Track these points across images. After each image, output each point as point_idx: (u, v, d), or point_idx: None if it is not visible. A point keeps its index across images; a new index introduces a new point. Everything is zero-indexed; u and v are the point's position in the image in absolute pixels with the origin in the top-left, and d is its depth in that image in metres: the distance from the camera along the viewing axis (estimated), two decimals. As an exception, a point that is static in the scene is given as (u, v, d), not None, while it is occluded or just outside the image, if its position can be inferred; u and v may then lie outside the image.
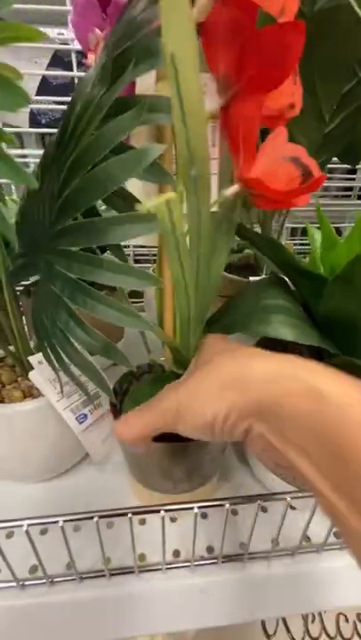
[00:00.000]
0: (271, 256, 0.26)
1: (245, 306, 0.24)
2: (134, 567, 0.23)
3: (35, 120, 0.62)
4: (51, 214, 0.19)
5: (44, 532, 0.26)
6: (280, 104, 0.17)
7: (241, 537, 0.26)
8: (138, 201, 0.19)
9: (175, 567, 0.24)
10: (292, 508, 0.28)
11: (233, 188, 0.17)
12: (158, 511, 0.20)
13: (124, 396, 0.27)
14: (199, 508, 0.20)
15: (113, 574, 0.24)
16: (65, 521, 0.20)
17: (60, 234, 0.19)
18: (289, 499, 0.22)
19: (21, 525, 0.19)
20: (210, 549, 0.26)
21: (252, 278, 0.46)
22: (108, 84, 0.17)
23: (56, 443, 0.28)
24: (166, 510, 0.20)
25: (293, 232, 0.69)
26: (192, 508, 0.20)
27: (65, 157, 0.18)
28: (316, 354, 0.27)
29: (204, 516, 0.27)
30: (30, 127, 0.56)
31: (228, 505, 0.21)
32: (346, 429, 0.12)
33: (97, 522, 0.20)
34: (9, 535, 0.26)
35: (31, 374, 0.26)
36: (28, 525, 0.19)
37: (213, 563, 0.24)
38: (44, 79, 0.55)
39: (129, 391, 0.27)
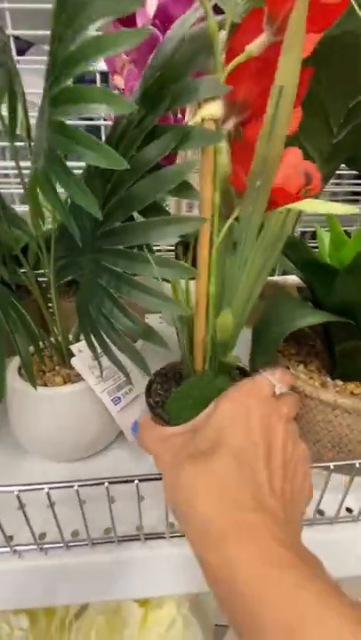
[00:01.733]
0: (289, 253, 0.29)
1: (282, 313, 0.27)
2: (140, 535, 0.26)
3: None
4: (94, 222, 0.23)
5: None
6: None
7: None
8: (168, 214, 0.22)
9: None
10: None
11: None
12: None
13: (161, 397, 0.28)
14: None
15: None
16: (79, 485, 0.23)
17: (103, 236, 0.22)
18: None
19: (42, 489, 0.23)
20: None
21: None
22: (148, 110, 0.21)
23: (92, 422, 0.31)
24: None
25: (303, 235, 0.72)
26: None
27: (109, 173, 0.22)
28: (328, 343, 0.30)
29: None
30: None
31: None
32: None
33: (107, 487, 0.23)
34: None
35: (73, 360, 0.29)
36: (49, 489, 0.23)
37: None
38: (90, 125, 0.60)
39: (171, 394, 0.27)
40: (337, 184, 0.64)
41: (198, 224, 0.19)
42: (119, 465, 0.33)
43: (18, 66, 0.25)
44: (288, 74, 0.16)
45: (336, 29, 0.31)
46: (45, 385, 0.31)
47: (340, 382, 0.28)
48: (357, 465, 0.24)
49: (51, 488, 0.23)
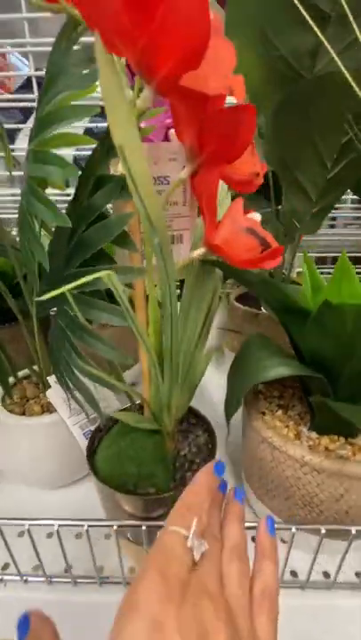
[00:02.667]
0: (264, 295, 0.28)
1: (251, 363, 0.26)
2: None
3: (77, 164, 0.70)
4: (63, 263, 0.24)
5: (49, 536, 0.29)
6: (243, 172, 0.19)
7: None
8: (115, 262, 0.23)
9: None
10: (283, 541, 0.28)
11: (200, 251, 0.20)
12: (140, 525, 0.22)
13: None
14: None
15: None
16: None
17: (66, 278, 0.23)
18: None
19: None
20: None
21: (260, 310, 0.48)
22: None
23: (66, 454, 0.32)
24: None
25: (320, 261, 0.70)
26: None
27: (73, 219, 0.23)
28: (306, 390, 0.29)
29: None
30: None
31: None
32: None
33: (87, 530, 0.23)
34: (20, 535, 0.29)
35: (48, 392, 0.30)
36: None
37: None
38: (88, 128, 0.63)
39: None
40: (337, 209, 0.62)
41: (139, 274, 0.19)
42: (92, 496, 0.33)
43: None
44: (121, 133, 0.15)
45: (325, 68, 0.31)
46: (24, 413, 0.32)
47: (314, 435, 0.26)
48: (353, 531, 0.22)
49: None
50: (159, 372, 0.23)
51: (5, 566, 0.28)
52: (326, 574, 0.27)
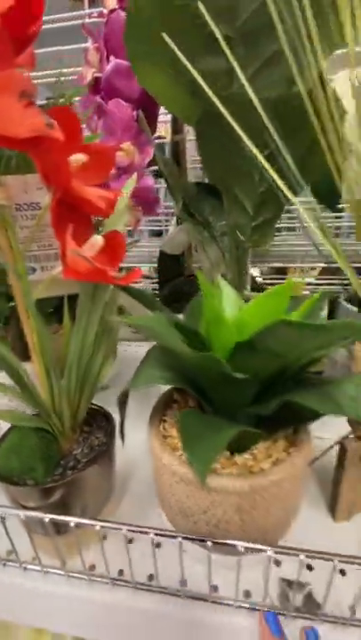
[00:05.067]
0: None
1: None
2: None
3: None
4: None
5: None
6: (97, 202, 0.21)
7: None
8: None
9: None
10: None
11: (57, 270, 0.21)
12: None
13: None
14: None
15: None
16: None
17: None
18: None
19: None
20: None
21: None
22: None
23: None
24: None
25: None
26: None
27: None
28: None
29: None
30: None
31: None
32: None
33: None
34: None
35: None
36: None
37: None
38: None
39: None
40: (339, 218, 0.60)
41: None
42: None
43: None
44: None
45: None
46: None
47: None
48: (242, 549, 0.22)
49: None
50: (44, 376, 0.25)
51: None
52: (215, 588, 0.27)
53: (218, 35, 0.24)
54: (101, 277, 0.20)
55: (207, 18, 0.24)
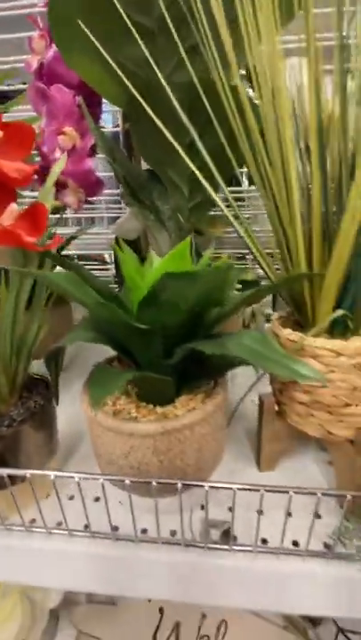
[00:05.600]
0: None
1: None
2: None
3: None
4: None
5: None
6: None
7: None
8: None
9: None
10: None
11: None
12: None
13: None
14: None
15: None
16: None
17: None
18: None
19: None
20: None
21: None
22: None
23: None
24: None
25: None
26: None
27: None
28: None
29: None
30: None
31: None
32: None
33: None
34: None
35: None
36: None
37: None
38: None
39: None
40: None
41: None
42: None
43: None
44: None
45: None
46: None
47: (131, 403, 0.29)
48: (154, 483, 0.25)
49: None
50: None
51: None
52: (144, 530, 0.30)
53: (129, 24, 0.26)
54: (17, 241, 0.23)
55: (119, 8, 0.26)
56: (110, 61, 0.27)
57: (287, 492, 0.24)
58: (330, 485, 0.34)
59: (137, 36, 0.27)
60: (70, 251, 0.77)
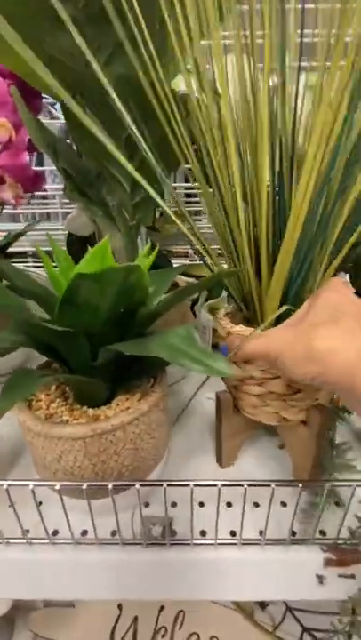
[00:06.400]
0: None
1: None
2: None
3: None
4: None
5: None
6: None
7: None
8: None
9: None
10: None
11: None
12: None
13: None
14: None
15: None
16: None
17: None
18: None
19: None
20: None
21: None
22: None
23: None
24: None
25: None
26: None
27: None
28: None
29: None
30: None
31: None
32: None
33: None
34: None
35: None
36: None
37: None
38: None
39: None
40: None
41: None
42: None
43: None
44: None
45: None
46: None
47: (64, 406, 0.28)
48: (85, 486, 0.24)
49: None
50: None
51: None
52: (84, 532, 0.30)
53: (62, 14, 0.25)
54: None
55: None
56: (29, 50, 0.26)
57: (242, 486, 0.25)
58: (288, 471, 0.35)
59: (68, 23, 0.26)
60: (25, 247, 0.74)
